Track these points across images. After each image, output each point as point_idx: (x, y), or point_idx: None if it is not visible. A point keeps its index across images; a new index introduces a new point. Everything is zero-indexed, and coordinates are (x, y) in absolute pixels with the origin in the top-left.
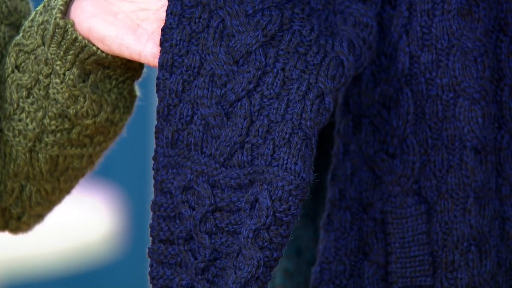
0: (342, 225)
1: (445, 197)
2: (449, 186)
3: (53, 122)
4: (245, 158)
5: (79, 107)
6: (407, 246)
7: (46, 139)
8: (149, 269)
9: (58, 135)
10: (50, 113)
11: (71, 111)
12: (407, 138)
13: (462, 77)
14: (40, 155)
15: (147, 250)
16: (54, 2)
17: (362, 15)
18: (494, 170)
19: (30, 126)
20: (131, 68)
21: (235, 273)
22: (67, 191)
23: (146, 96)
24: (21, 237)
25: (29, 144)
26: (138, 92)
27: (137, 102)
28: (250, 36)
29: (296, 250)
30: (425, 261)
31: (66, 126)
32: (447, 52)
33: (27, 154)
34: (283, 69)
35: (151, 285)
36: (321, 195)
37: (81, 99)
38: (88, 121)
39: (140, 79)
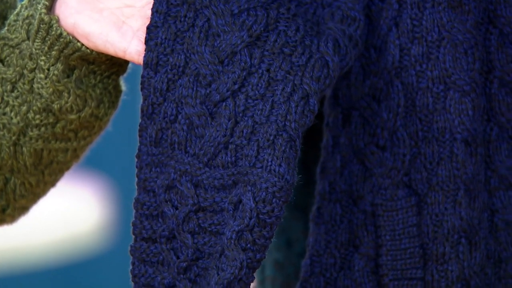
0: (332, 218)
1: (436, 190)
2: (440, 178)
3: (37, 116)
4: (229, 159)
5: (63, 102)
6: (398, 239)
7: (31, 133)
8: (131, 267)
9: (43, 129)
10: (34, 107)
11: (56, 106)
12: (397, 131)
13: (453, 70)
14: (24, 149)
15: (129, 248)
16: None
17: (350, 8)
18: (483, 163)
19: (14, 120)
20: (116, 64)
21: (218, 274)
22: (52, 183)
23: (135, 90)
24: (10, 228)
25: (13, 138)
26: (123, 86)
27: (123, 97)
28: (236, 36)
29: (287, 241)
30: (415, 254)
31: (51, 120)
32: (437, 45)
33: (11, 148)
34: (268, 70)
35: (133, 283)
36: (312, 187)
37: (66, 94)
38: (73, 116)
39: (126, 74)
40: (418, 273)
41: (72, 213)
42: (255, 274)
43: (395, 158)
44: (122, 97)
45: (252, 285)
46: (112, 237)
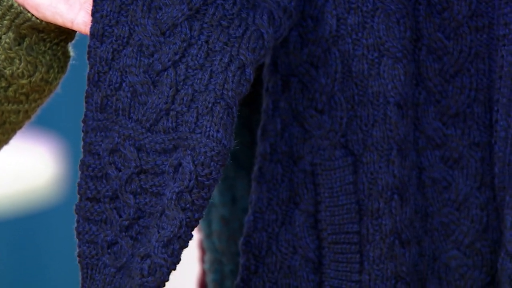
0: (274, 177)
1: (371, 150)
2: (374, 139)
3: None
4: (170, 125)
5: (15, 68)
6: (335, 196)
7: None
8: (75, 224)
9: None
10: None
11: (8, 71)
12: (334, 95)
13: (386, 38)
14: None
15: (74, 207)
16: None
17: None
18: (412, 124)
19: None
20: (64, 32)
21: (158, 232)
22: (5, 142)
23: (84, 55)
24: None
25: None
26: (71, 52)
27: (71, 62)
28: (176, 10)
29: (232, 198)
30: (352, 209)
31: (3, 84)
32: (372, 14)
33: None
34: (207, 42)
35: (77, 239)
36: (255, 148)
37: (17, 61)
38: (24, 81)
39: (74, 41)
40: (354, 227)
41: (26, 169)
42: (201, 228)
43: (333, 120)
44: (71, 62)
45: (198, 238)
46: (64, 192)
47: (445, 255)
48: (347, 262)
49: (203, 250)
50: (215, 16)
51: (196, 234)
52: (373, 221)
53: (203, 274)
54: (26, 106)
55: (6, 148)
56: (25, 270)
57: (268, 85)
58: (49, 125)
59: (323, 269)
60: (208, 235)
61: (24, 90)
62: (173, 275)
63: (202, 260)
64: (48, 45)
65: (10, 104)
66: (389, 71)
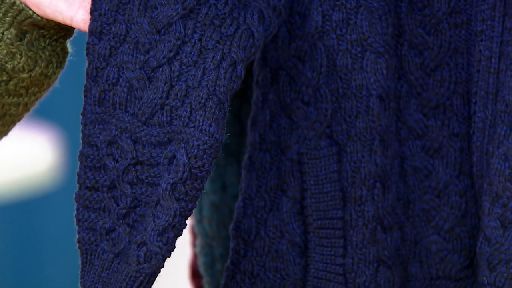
0: (262, 165)
1: (354, 140)
2: (358, 130)
3: None
4: (164, 118)
5: (16, 62)
6: (321, 183)
7: None
8: (75, 212)
9: None
10: None
11: (9, 65)
12: (320, 88)
13: (369, 33)
14: None
15: (74, 196)
16: None
17: None
18: (394, 116)
19: None
20: (64, 29)
21: (154, 221)
22: (5, 133)
23: (83, 51)
24: None
25: None
26: (70, 48)
27: (70, 57)
28: (171, 9)
29: (222, 185)
30: (336, 196)
31: (4, 78)
32: (355, 11)
33: None
34: (200, 40)
35: (77, 226)
36: (244, 137)
37: (18, 56)
38: (24, 75)
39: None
40: (339, 213)
41: (27, 157)
42: (193, 214)
43: (318, 112)
44: (70, 57)
45: (190, 223)
46: (62, 179)
47: (426, 239)
48: (332, 246)
49: (194, 234)
50: (208, 16)
51: (188, 220)
52: (356, 208)
53: (195, 257)
54: (26, 99)
55: (8, 137)
56: (25, 253)
57: (258, 78)
58: (49, 116)
59: (309, 253)
60: (199, 221)
61: (24, 84)
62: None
63: (194, 244)
64: (48, 41)
65: (10, 97)
66: (372, 65)
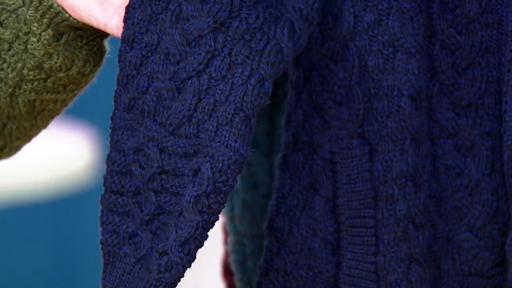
0: (295, 164)
1: (386, 139)
2: (389, 129)
3: (31, 72)
4: (191, 131)
5: (53, 62)
6: (353, 182)
7: (25, 87)
8: (100, 214)
9: (35, 83)
10: (28, 65)
11: (47, 65)
12: (352, 88)
13: (400, 34)
14: (19, 99)
15: (99, 198)
16: None
17: None
18: (426, 115)
19: (10, 75)
20: (100, 29)
21: (176, 232)
22: (44, 127)
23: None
24: (11, 168)
25: (10, 90)
26: (107, 47)
27: (108, 55)
28: (203, 22)
29: (253, 184)
30: (368, 195)
31: (42, 76)
32: (387, 12)
33: (7, 98)
34: (229, 54)
35: (101, 228)
36: (274, 136)
37: (55, 56)
38: (62, 74)
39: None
40: (370, 212)
41: (64, 156)
42: (225, 212)
43: (350, 112)
44: (107, 55)
45: (222, 219)
46: (98, 178)
47: (458, 237)
48: (364, 244)
49: (226, 232)
50: (238, 30)
51: (220, 217)
52: (388, 206)
53: (227, 255)
54: (64, 96)
55: (46, 136)
56: (63, 251)
57: (292, 78)
58: (86, 116)
59: (341, 251)
60: (231, 219)
61: (62, 82)
62: (199, 256)
63: (226, 242)
64: (84, 41)
65: (49, 94)
66: (403, 65)
